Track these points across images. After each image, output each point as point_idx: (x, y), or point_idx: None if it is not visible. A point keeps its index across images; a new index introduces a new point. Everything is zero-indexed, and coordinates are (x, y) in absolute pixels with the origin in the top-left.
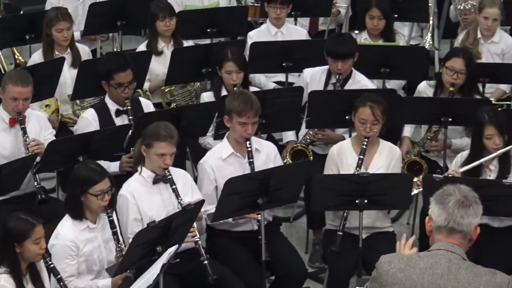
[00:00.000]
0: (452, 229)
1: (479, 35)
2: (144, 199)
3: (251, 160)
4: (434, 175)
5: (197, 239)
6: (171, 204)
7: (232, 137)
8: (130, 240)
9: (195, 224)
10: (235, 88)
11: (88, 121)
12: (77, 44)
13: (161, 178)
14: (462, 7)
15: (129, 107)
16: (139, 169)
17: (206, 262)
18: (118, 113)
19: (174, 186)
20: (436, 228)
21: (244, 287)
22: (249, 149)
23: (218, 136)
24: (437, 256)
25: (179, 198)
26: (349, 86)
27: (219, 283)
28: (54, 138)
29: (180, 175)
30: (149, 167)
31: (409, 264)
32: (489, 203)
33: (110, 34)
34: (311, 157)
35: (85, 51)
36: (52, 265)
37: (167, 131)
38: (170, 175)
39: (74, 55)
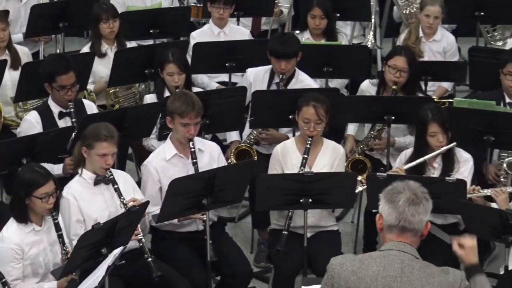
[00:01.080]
0: (403, 228)
1: (421, 34)
2: (86, 201)
3: (194, 160)
4: (377, 173)
5: (140, 237)
6: (113, 204)
7: (175, 138)
8: (74, 241)
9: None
10: (177, 90)
11: (31, 123)
12: (16, 46)
13: (103, 179)
14: (407, 11)
15: (72, 109)
16: (79, 170)
17: (150, 259)
18: (61, 115)
19: (116, 186)
20: (387, 227)
21: (189, 287)
22: (192, 149)
23: (162, 137)
24: (389, 257)
25: (122, 198)
26: (292, 85)
27: (164, 283)
28: None
29: (120, 176)
30: (90, 169)
31: (362, 266)
32: (433, 201)
33: (53, 36)
34: (255, 157)
35: (24, 52)
36: None
37: (107, 131)
38: (112, 175)
39: (13, 57)
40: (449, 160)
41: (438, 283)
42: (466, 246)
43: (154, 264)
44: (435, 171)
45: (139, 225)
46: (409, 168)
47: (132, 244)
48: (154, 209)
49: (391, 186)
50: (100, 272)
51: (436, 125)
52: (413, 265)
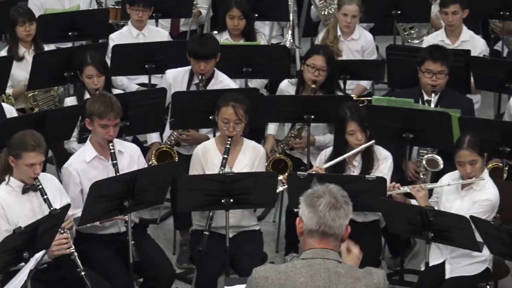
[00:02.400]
0: (324, 233)
1: (339, 33)
2: (14, 209)
3: (114, 162)
4: (298, 172)
5: (72, 250)
6: (41, 213)
7: (94, 140)
8: None
9: (69, 234)
10: (97, 92)
11: None
12: None
13: (31, 187)
14: (326, 12)
15: None
16: (6, 178)
17: (83, 273)
18: None
19: (45, 196)
20: (308, 231)
21: None
22: (112, 151)
23: (82, 140)
24: (315, 266)
25: (51, 208)
26: (212, 86)
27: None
28: None
29: (47, 180)
30: (18, 177)
31: (288, 278)
32: (353, 199)
33: None
34: (176, 158)
35: None
36: None
37: (35, 140)
38: (40, 184)
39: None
40: (368, 158)
41: (364, 285)
42: (353, 253)
43: (87, 278)
44: (355, 169)
45: (69, 236)
46: (329, 167)
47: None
48: (77, 211)
49: (311, 190)
50: (22, 276)
51: (355, 123)
52: (339, 271)
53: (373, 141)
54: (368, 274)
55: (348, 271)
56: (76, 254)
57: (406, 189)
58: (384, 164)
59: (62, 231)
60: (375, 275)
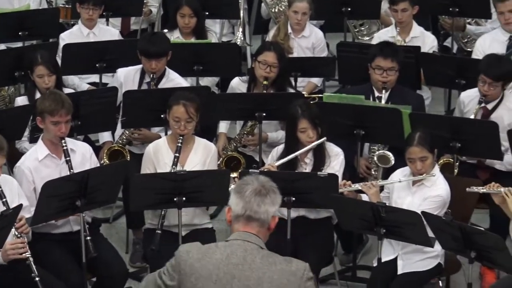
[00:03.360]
0: (249, 217)
1: (289, 30)
2: None
3: (68, 158)
4: (250, 170)
5: (28, 255)
6: None
7: (46, 139)
8: None
9: (25, 239)
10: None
11: None
12: None
13: None
14: (276, 10)
15: None
16: None
17: (37, 279)
18: None
19: (4, 199)
20: (234, 217)
21: None
22: (65, 147)
23: (33, 140)
24: (233, 246)
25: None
26: (163, 84)
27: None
28: None
29: (7, 182)
30: None
31: (206, 254)
32: (305, 195)
33: None
34: (128, 157)
35: None
36: None
37: None
38: (0, 187)
39: None
40: (320, 155)
41: (279, 270)
42: None
43: (41, 284)
44: (307, 167)
45: (26, 240)
46: (281, 165)
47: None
48: (32, 209)
49: (241, 180)
50: None
51: (306, 121)
52: (256, 254)
53: (324, 138)
54: (287, 262)
55: (266, 255)
56: (31, 259)
57: (357, 186)
58: (335, 161)
59: (19, 235)
60: (295, 263)
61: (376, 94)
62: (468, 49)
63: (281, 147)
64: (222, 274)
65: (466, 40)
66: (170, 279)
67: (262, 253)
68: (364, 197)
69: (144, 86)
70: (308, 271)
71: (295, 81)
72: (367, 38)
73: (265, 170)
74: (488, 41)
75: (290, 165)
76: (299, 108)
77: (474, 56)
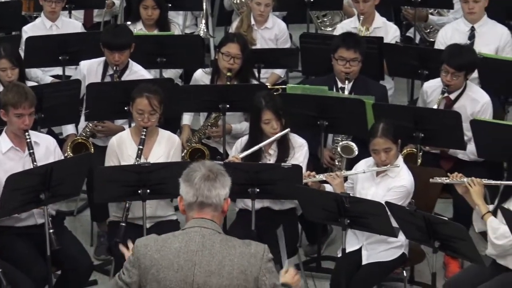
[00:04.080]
0: (202, 203)
1: (252, 22)
2: None
3: (31, 151)
4: (214, 161)
5: None
6: None
7: (10, 131)
8: None
9: None
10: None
11: None
12: None
13: None
14: (239, 1)
15: None
16: None
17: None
18: None
19: None
20: (187, 205)
21: (31, 284)
22: (28, 140)
23: None
24: (191, 234)
25: None
26: (126, 77)
27: (3, 282)
28: None
29: None
30: None
31: (165, 244)
32: (269, 187)
33: None
34: (92, 150)
35: None
36: None
37: None
38: None
39: None
40: (284, 146)
41: (239, 253)
42: (290, 272)
43: (4, 277)
44: (271, 158)
45: None
46: (245, 156)
47: None
48: None
49: (188, 168)
50: None
51: (270, 112)
52: (214, 238)
53: (288, 130)
54: (246, 244)
55: (224, 239)
56: None
57: (321, 176)
58: (299, 152)
59: None
60: (254, 246)
61: (339, 85)
62: (431, 39)
63: (245, 139)
64: (183, 262)
65: (428, 30)
66: (130, 276)
67: (220, 237)
68: (328, 188)
69: (107, 79)
70: (268, 252)
71: (259, 72)
72: (330, 29)
73: (230, 161)
74: (450, 32)
75: (254, 156)
76: (263, 99)
77: (436, 46)
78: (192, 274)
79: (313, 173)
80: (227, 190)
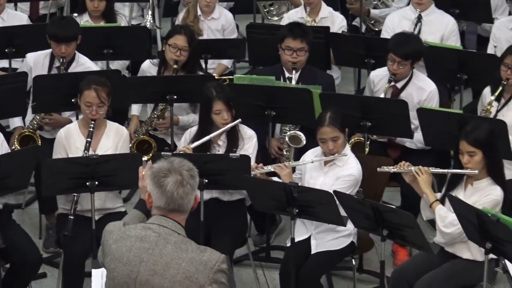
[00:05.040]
0: (173, 210)
1: (199, 13)
2: None
3: None
4: (162, 152)
5: None
6: None
7: None
8: None
9: None
10: None
11: None
12: None
13: None
14: None
15: None
16: None
17: None
18: None
19: None
20: (156, 207)
21: None
22: None
23: None
24: (148, 231)
25: None
26: (73, 69)
27: None
28: None
29: None
30: None
31: (123, 236)
32: (218, 177)
33: None
34: (39, 142)
35: None
36: None
37: None
38: None
39: None
40: (233, 137)
41: (189, 259)
42: None
43: None
44: (220, 149)
45: None
46: (195, 147)
47: None
48: None
49: (157, 168)
50: None
51: (221, 103)
52: (169, 239)
53: (239, 120)
54: (200, 251)
55: (180, 241)
56: None
57: (270, 168)
58: (249, 143)
59: None
60: (208, 253)
61: (287, 74)
62: (376, 29)
63: (194, 129)
64: (132, 257)
65: (373, 21)
66: (101, 256)
67: (176, 239)
68: (277, 180)
69: (54, 71)
70: (222, 263)
71: (206, 63)
72: (277, 19)
73: (180, 152)
74: (397, 19)
75: (203, 147)
76: (214, 90)
77: (383, 33)
78: (137, 270)
79: (261, 164)
80: (196, 190)
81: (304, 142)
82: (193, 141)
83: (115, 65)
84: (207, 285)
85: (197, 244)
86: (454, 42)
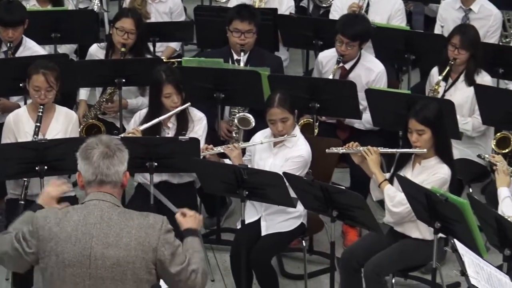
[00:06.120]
0: (101, 181)
1: None
2: None
3: None
4: (112, 136)
5: None
6: None
7: None
8: None
9: None
10: None
11: None
12: None
13: None
14: None
15: None
16: None
17: None
18: None
19: None
20: (87, 183)
21: None
22: None
23: None
24: (90, 207)
25: None
26: (21, 53)
27: None
28: None
29: None
30: None
31: (64, 217)
32: (168, 160)
33: None
34: None
35: None
36: None
37: None
38: None
39: None
40: (183, 120)
41: (137, 225)
42: (188, 215)
43: None
44: (169, 131)
45: None
46: (145, 129)
47: None
48: None
49: (85, 144)
50: None
51: (171, 86)
52: (112, 211)
53: (188, 104)
54: (144, 216)
55: (122, 212)
56: None
57: (219, 149)
58: (199, 125)
59: None
60: (152, 217)
61: (235, 57)
62: (324, 5)
63: (143, 112)
64: (81, 235)
65: None
66: (29, 247)
67: (119, 210)
68: (227, 162)
69: (1, 56)
70: (166, 223)
71: (154, 46)
72: (224, 1)
73: (129, 134)
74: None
75: (153, 130)
76: (163, 73)
77: (332, 14)
78: (89, 247)
79: (211, 146)
80: (126, 164)
81: (253, 124)
82: (142, 123)
83: (63, 49)
84: (160, 246)
85: (137, 211)
86: (399, 21)
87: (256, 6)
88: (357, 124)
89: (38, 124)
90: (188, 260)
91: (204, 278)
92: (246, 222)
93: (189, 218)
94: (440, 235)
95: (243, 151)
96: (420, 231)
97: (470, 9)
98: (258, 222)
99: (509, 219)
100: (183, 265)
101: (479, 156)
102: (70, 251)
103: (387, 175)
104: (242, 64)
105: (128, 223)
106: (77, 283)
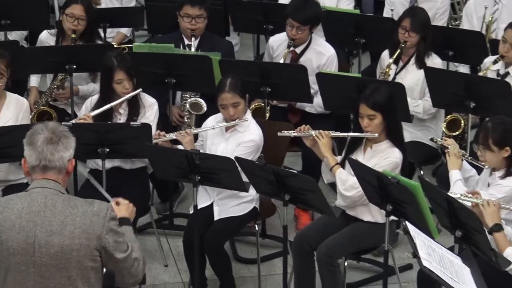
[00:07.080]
0: (45, 167)
1: None
2: None
3: None
4: (63, 123)
5: None
6: None
7: None
8: None
9: None
10: None
11: None
12: None
13: None
14: None
15: None
16: None
17: None
18: None
19: None
20: (31, 168)
21: None
22: None
23: None
24: (33, 194)
25: None
26: None
27: None
28: None
29: None
30: None
31: (7, 206)
32: (120, 146)
33: None
34: None
35: None
36: None
37: None
38: None
39: None
40: (135, 106)
41: (81, 212)
42: (122, 204)
43: None
44: (121, 117)
45: None
46: (96, 115)
47: None
48: None
49: (31, 129)
50: None
51: (122, 72)
52: (56, 198)
53: (140, 90)
54: (89, 203)
55: (67, 199)
56: None
57: (172, 136)
58: (150, 111)
59: None
60: (97, 204)
61: (186, 42)
62: None
63: (95, 98)
64: (25, 223)
65: None
66: None
67: (63, 197)
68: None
69: None
70: (111, 210)
71: (104, 32)
72: None
73: (81, 120)
74: None
75: (104, 116)
76: (114, 59)
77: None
78: (33, 234)
79: (163, 133)
80: (71, 151)
81: (205, 109)
82: (94, 109)
83: (13, 35)
84: (104, 234)
85: (82, 199)
86: (347, 4)
87: None
88: (308, 108)
89: None
90: (131, 248)
91: (144, 267)
92: (199, 207)
93: (122, 207)
94: (392, 217)
95: (195, 136)
96: (372, 214)
97: None
98: (210, 207)
99: (459, 199)
100: (127, 253)
101: (432, 139)
102: (14, 239)
103: (339, 158)
104: (193, 49)
105: (73, 211)
106: (22, 270)
